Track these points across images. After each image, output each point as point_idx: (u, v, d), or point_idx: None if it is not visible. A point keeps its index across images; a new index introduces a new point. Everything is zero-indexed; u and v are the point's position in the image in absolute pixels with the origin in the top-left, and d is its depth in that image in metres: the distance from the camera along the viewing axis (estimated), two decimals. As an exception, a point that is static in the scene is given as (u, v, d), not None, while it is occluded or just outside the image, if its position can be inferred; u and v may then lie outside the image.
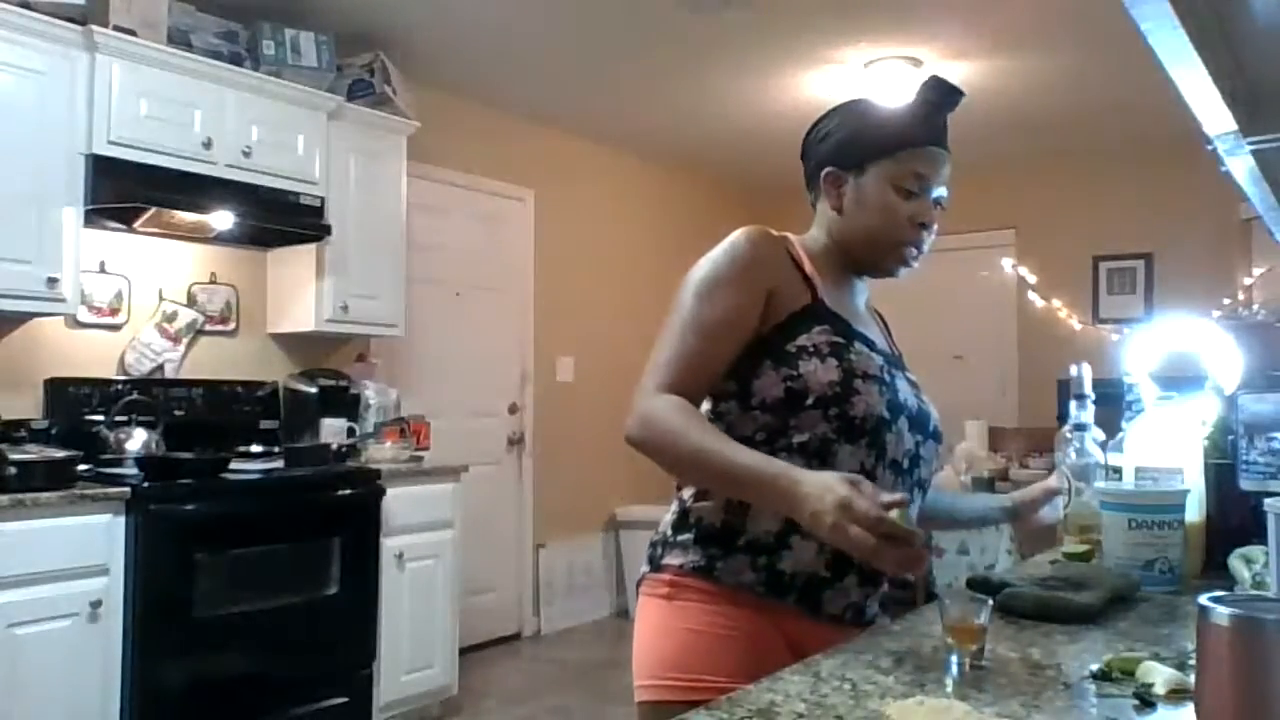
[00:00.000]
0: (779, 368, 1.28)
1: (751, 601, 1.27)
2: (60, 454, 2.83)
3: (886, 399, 1.29)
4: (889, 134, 1.35)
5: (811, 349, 1.28)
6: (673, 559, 1.32)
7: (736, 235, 1.35)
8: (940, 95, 1.36)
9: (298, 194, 3.64)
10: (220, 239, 3.72)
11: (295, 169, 3.63)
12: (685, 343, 1.28)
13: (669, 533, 1.36)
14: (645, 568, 1.38)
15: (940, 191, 1.37)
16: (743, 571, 1.27)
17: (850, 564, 1.27)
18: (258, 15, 3.63)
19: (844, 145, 1.38)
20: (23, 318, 3.20)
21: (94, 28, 3.08)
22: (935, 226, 1.39)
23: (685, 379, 1.26)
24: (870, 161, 1.35)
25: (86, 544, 2.73)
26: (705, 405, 1.32)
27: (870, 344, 1.35)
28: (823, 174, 1.39)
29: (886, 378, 1.31)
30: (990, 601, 1.07)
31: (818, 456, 1.25)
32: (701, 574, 1.29)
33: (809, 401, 1.26)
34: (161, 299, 3.65)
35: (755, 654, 1.21)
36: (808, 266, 1.36)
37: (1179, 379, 1.75)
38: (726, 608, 1.27)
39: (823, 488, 1.07)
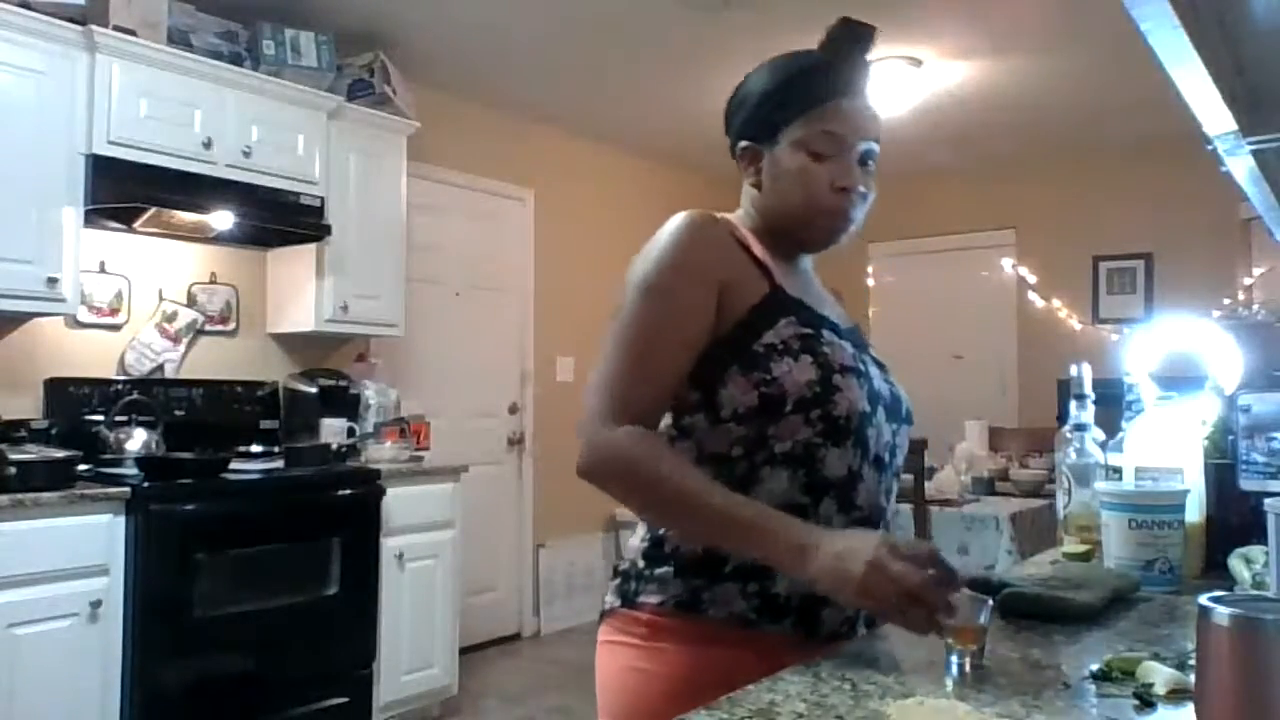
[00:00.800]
0: (749, 372, 1.15)
1: (742, 637, 1.14)
2: (60, 454, 2.83)
3: (866, 391, 1.19)
4: (795, 95, 1.22)
5: (781, 346, 1.15)
6: (650, 596, 1.18)
7: (676, 222, 1.22)
8: (847, 39, 1.22)
9: (298, 194, 3.64)
10: (220, 239, 3.72)
11: (295, 169, 3.63)
12: (635, 354, 1.16)
13: (641, 564, 1.21)
14: (614, 601, 1.23)
15: (866, 147, 1.23)
16: (733, 600, 1.15)
17: None
18: (258, 15, 3.63)
19: (753, 115, 1.26)
20: (23, 318, 3.20)
21: (94, 28, 3.08)
22: (868, 190, 1.24)
23: (640, 397, 1.15)
24: (781, 129, 1.22)
25: (86, 544, 2.73)
26: (665, 420, 1.21)
27: (836, 329, 1.24)
28: (738, 150, 1.28)
29: (861, 367, 1.21)
30: (990, 601, 1.06)
31: (803, 464, 1.15)
32: (686, 610, 1.16)
33: (788, 407, 1.13)
34: (161, 299, 3.65)
35: None
36: (757, 249, 1.23)
37: (1179, 379, 1.75)
38: (712, 649, 1.14)
39: (851, 534, 1.05)
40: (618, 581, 1.24)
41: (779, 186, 1.24)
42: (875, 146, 1.24)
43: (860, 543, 1.01)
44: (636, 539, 1.25)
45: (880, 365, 1.29)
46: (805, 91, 1.22)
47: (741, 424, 1.16)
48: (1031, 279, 5.85)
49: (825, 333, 1.20)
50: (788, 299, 1.21)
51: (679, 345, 1.16)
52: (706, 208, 1.28)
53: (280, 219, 3.61)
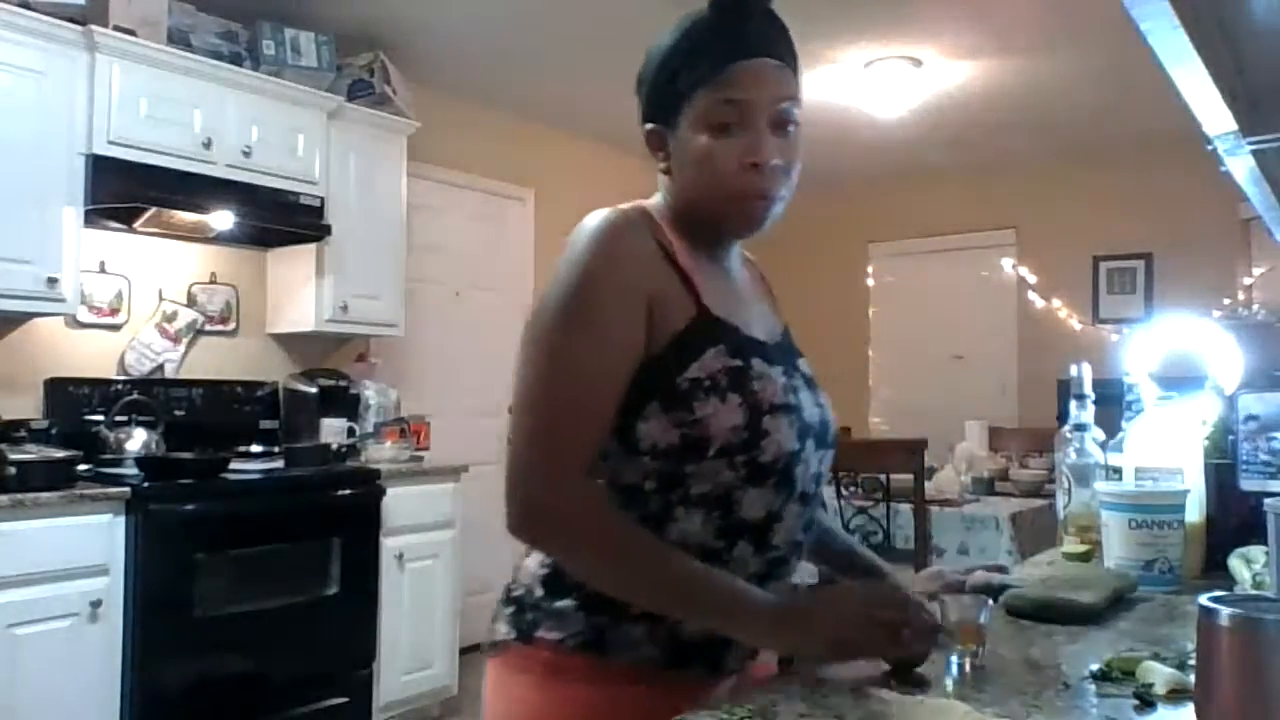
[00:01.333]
0: (671, 410, 1.03)
1: (648, 676, 1.06)
2: (60, 454, 2.83)
3: (796, 428, 1.08)
4: (687, 64, 1.07)
5: (708, 383, 1.03)
6: (549, 632, 1.07)
7: (594, 230, 1.06)
8: None
9: (298, 194, 3.64)
10: (220, 239, 3.72)
11: (295, 169, 3.63)
12: (567, 398, 1.03)
13: (539, 593, 1.09)
14: (508, 633, 1.12)
15: (779, 109, 1.07)
16: (640, 644, 1.05)
17: None
18: (258, 15, 3.63)
19: (651, 93, 1.12)
20: (23, 318, 3.19)
21: (94, 28, 3.08)
22: (787, 160, 1.08)
23: (576, 443, 1.03)
24: (680, 105, 1.08)
25: (86, 544, 2.72)
26: None
27: (765, 352, 1.11)
28: (644, 133, 1.14)
29: (792, 400, 1.09)
30: (990, 601, 1.07)
31: (720, 507, 1.05)
32: (589, 650, 1.05)
33: (711, 451, 1.03)
34: (161, 299, 3.65)
35: None
36: (682, 257, 1.09)
37: (1179, 379, 1.75)
38: (616, 689, 1.05)
39: (816, 599, 1.05)
40: (511, 610, 1.13)
41: (685, 173, 1.10)
42: (790, 107, 1.09)
43: (836, 601, 1.03)
44: (534, 562, 1.12)
45: (810, 383, 1.17)
46: (698, 58, 1.06)
47: (658, 459, 1.05)
48: (1031, 279, 5.85)
49: (755, 363, 1.07)
50: (715, 324, 1.07)
51: (615, 377, 1.04)
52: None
53: (280, 219, 3.61)
